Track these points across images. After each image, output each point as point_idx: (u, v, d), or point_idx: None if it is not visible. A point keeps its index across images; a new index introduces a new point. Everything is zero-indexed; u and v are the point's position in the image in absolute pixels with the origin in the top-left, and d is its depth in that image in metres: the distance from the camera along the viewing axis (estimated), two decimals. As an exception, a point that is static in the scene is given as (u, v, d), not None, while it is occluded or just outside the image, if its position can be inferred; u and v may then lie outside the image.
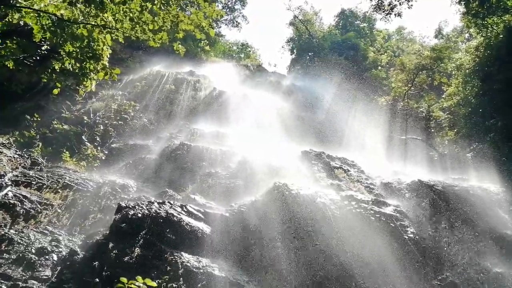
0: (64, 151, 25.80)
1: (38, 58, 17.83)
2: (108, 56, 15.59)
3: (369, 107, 45.26)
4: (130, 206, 16.22)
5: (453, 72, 37.03)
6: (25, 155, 22.35)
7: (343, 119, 44.49)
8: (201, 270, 13.79)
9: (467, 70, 32.62)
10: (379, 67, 60.75)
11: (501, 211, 18.58)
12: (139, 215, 15.58)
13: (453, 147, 34.64)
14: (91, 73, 15.20)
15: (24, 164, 21.40)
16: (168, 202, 17.62)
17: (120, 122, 33.16)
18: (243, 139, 31.22)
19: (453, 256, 14.82)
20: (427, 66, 42.59)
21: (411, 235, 15.61)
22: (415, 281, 13.83)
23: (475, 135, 30.37)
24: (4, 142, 22.92)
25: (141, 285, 12.05)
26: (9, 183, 17.99)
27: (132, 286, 11.98)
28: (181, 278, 13.16)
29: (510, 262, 14.28)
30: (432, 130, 39.49)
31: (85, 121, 31.49)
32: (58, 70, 15.25)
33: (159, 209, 16.36)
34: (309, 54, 71.95)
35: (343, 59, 63.71)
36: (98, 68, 15.26)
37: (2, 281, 12.35)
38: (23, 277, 12.72)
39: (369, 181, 21.93)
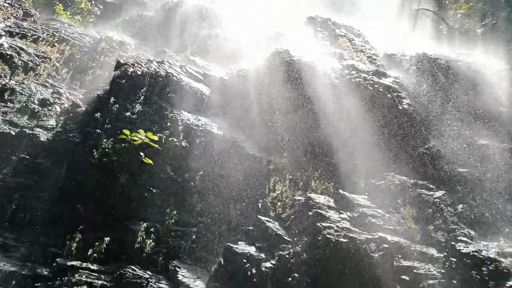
0: (57, 3, 24.49)
1: None
2: None
3: (384, -28, 41.67)
4: (129, 64, 16.10)
5: None
6: (16, 4, 21.24)
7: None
8: (200, 128, 14.37)
9: None
10: None
11: (499, 89, 18.64)
12: (139, 72, 15.56)
13: (464, 22, 33.09)
14: None
15: (16, 15, 20.50)
16: (167, 61, 17.44)
17: (114, -26, 30.75)
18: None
19: (443, 127, 15.37)
20: None
21: (406, 106, 15.93)
22: (402, 148, 14.58)
23: (490, 10, 28.79)
24: (-9, -11, 21.54)
25: (143, 137, 12.75)
26: (3, 33, 17.49)
27: (135, 138, 12.68)
28: (181, 134, 13.78)
29: (497, 136, 14.89)
30: (446, 2, 37.20)
31: (76, -29, 29.18)
32: None
33: (158, 68, 16.28)
34: None
35: None
36: None
37: (10, 127, 12.93)
38: (29, 125, 13.28)
39: (372, 52, 21.45)
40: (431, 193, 12.37)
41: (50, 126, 13.60)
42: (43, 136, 13.03)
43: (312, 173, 13.87)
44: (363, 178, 13.43)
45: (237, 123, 15.91)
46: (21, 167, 11.94)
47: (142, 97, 14.58)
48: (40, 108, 14.10)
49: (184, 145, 13.51)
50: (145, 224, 11.45)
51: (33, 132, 13.02)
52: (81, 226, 10.75)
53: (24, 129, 12.97)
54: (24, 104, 13.91)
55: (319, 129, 15.74)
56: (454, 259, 9.10)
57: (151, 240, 11.13)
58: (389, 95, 16.30)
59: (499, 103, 17.72)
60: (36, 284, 9.07)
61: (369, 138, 14.72)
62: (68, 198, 11.49)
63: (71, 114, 14.24)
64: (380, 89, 16.55)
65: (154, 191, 12.45)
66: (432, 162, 13.86)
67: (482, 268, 8.61)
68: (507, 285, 8.12)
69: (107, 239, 10.63)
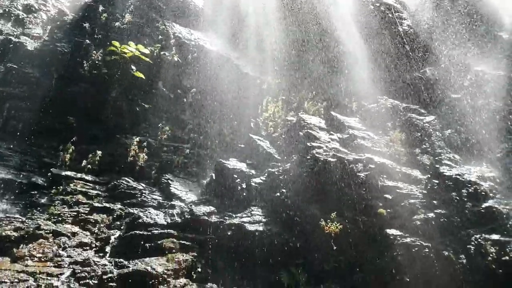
0: None
1: None
2: None
3: None
4: (117, -31, 15.04)
5: None
6: None
7: None
8: (193, 42, 13.92)
9: None
10: None
11: (504, 13, 17.97)
12: (128, -21, 14.62)
13: None
14: None
15: None
16: (158, -32, 16.33)
17: None
18: None
19: (441, 52, 15.05)
20: None
21: (406, 28, 15.44)
22: (398, 72, 14.39)
23: None
24: None
25: (134, 50, 12.36)
26: None
27: (125, 50, 12.28)
28: (173, 48, 13.37)
29: (493, 62, 14.65)
30: None
31: None
32: None
33: (148, -25, 15.29)
34: None
35: None
36: None
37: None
38: (15, 33, 12.71)
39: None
40: (421, 117, 12.48)
41: (37, 35, 13.04)
42: (30, 45, 12.54)
43: (306, 94, 13.81)
44: (355, 100, 13.42)
45: (232, 39, 15.41)
46: (9, 76, 11.65)
47: (132, 6, 13.87)
48: (25, 15, 13.39)
49: (176, 60, 13.18)
50: (137, 138, 11.57)
51: (19, 40, 12.50)
52: (73, 138, 10.81)
53: (10, 37, 12.44)
54: (7, 9, 13.17)
55: (315, 48, 15.36)
56: (436, 181, 9.46)
57: (144, 154, 11.33)
58: (390, 15, 15.69)
59: (499, 28, 17.20)
60: (32, 192, 9.34)
61: (366, 59, 14.45)
62: (59, 109, 11.40)
63: (58, 23, 13.58)
64: (382, 8, 15.89)
65: (146, 106, 12.39)
66: (426, 86, 13.79)
67: (462, 190, 9.01)
68: (483, 206, 8.57)
69: (99, 152, 10.77)
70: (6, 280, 6.42)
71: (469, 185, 9.06)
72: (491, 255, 7.51)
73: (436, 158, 10.83)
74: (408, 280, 7.54)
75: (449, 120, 12.69)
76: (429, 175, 9.88)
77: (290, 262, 8.20)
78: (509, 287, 7.16)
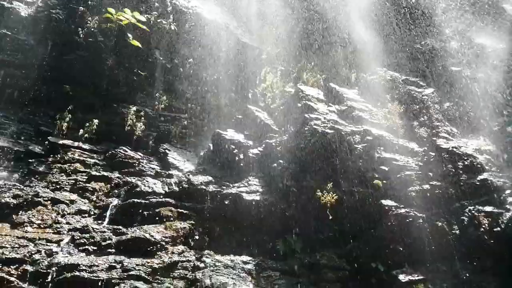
0: None
1: None
2: None
3: None
4: None
5: None
6: None
7: None
8: (191, 10, 13.63)
9: None
10: None
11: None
12: None
13: None
14: None
15: None
16: None
17: None
18: None
19: (442, 24, 14.82)
20: None
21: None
22: (398, 43, 14.22)
23: None
24: None
25: (130, 17, 12.10)
26: None
27: (121, 17, 12.02)
28: (171, 16, 13.10)
29: (496, 35, 14.46)
30: None
31: None
32: None
33: None
34: None
35: None
36: None
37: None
38: (7, -5, 12.40)
39: None
40: (420, 90, 12.41)
41: (30, 0, 12.71)
42: (24, 11, 12.24)
43: (305, 65, 13.64)
44: (355, 72, 13.30)
45: (230, 8, 15.10)
46: (4, 43, 11.42)
47: (128, -28, 13.48)
48: (17, -21, 13.00)
49: (173, 28, 12.94)
50: (134, 107, 11.50)
51: (12, 5, 12.19)
52: (70, 107, 10.73)
53: (2, 2, 12.12)
54: (-2, -26, 12.77)
55: (316, 19, 15.10)
56: (433, 154, 9.50)
57: (141, 124, 11.29)
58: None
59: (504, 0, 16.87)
60: (29, 160, 9.34)
61: (367, 29, 14.23)
62: (55, 78, 11.27)
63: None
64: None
65: (142, 75, 12.24)
66: (426, 58, 13.66)
67: (458, 163, 9.07)
68: (478, 178, 8.66)
69: (96, 121, 10.72)
70: (7, 245, 6.51)
71: (465, 158, 9.12)
72: (483, 226, 7.65)
73: (434, 131, 10.84)
74: (401, 249, 7.70)
75: (448, 93, 12.64)
76: (425, 148, 9.91)
77: (286, 231, 8.33)
78: (499, 257, 7.33)
